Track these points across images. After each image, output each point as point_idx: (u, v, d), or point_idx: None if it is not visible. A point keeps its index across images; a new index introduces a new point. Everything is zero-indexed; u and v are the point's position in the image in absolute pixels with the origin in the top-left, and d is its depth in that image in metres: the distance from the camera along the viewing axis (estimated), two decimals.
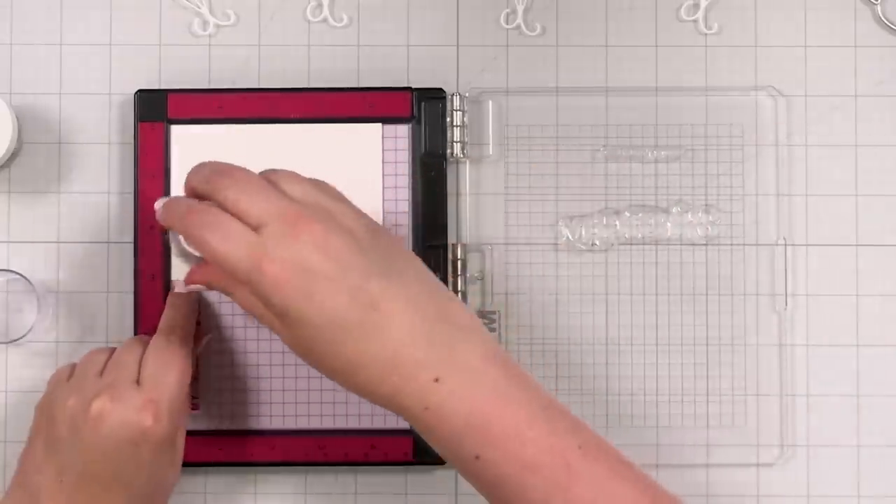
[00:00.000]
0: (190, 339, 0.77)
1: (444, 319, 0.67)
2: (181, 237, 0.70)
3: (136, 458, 0.72)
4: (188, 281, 0.72)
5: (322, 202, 0.68)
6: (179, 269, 0.81)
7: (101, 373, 0.75)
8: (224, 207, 0.67)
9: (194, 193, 0.70)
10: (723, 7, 0.84)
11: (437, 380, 0.65)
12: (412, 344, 0.65)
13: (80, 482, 0.72)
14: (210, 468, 0.82)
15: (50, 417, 0.74)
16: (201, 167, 0.70)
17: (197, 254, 0.70)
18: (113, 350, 0.76)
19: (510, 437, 0.65)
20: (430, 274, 0.69)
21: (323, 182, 0.70)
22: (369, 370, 0.65)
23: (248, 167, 0.80)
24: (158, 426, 0.72)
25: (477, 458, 0.65)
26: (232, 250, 0.66)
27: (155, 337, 0.76)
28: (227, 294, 0.69)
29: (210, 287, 0.70)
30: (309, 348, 0.66)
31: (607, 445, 0.67)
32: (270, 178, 0.69)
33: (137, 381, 0.73)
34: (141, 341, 0.76)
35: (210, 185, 0.68)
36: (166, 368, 0.74)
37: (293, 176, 0.70)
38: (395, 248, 0.69)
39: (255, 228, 0.66)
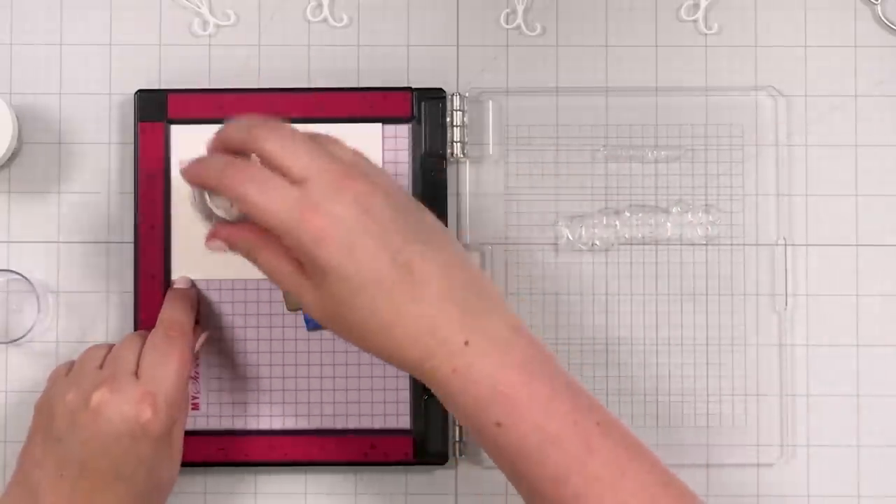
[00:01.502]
0: (189, 334, 0.77)
1: (475, 289, 0.67)
2: (207, 197, 0.69)
3: (136, 453, 0.72)
4: (211, 237, 0.70)
5: (363, 166, 0.68)
6: (182, 264, 0.81)
7: (101, 367, 0.75)
8: (264, 160, 0.66)
9: (226, 149, 0.68)
10: (723, 7, 0.84)
11: (467, 343, 0.66)
12: (446, 308, 0.66)
13: (81, 476, 0.72)
14: (210, 468, 0.82)
15: (49, 413, 0.74)
16: (237, 121, 0.68)
17: (223, 215, 0.69)
18: (112, 346, 0.77)
19: (534, 406, 0.65)
20: (461, 246, 0.70)
21: (361, 151, 0.70)
22: (402, 331, 0.66)
23: None
24: (156, 419, 0.72)
25: (498, 425, 0.66)
26: (275, 202, 0.65)
27: (153, 331, 0.76)
28: (250, 256, 0.68)
29: (233, 247, 0.69)
30: (341, 308, 0.66)
31: (622, 426, 0.67)
32: (312, 137, 0.68)
33: (136, 375, 0.73)
34: (140, 336, 0.77)
35: (250, 135, 0.67)
36: (164, 361, 0.74)
37: (335, 138, 0.69)
38: (430, 219, 0.69)
39: (298, 183, 0.65)
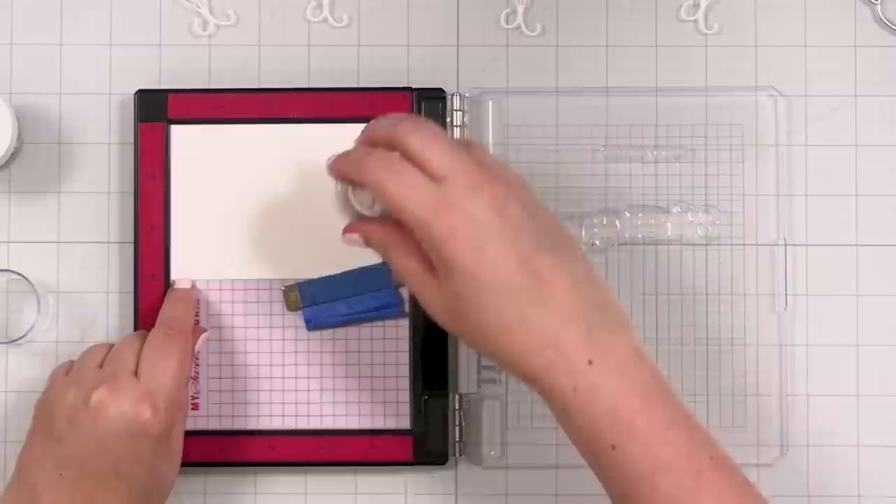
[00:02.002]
0: (188, 333, 0.77)
1: (602, 308, 0.67)
2: (350, 193, 0.70)
3: (136, 452, 0.72)
4: (348, 231, 0.71)
5: (503, 173, 0.69)
6: (182, 264, 0.81)
7: (100, 367, 0.75)
8: (406, 154, 0.67)
9: (373, 144, 0.69)
10: (723, 7, 0.84)
11: (590, 362, 0.65)
12: (572, 323, 0.66)
13: (81, 476, 0.72)
14: (210, 468, 0.82)
15: (49, 412, 0.74)
16: (385, 116, 0.69)
17: (363, 211, 0.70)
18: (111, 346, 0.77)
19: (651, 433, 0.65)
20: (590, 263, 0.69)
21: (504, 161, 0.70)
22: (526, 338, 0.65)
23: (248, 167, 0.80)
24: (156, 419, 0.72)
25: (613, 448, 0.65)
26: (412, 196, 0.65)
27: (153, 331, 0.76)
28: (383, 252, 0.69)
29: (367, 243, 0.70)
30: (464, 307, 0.66)
31: (733, 462, 0.67)
32: (457, 139, 0.69)
33: (136, 375, 0.74)
34: (140, 336, 0.77)
35: (395, 130, 0.67)
36: (164, 361, 0.74)
37: (478, 144, 0.71)
38: (562, 232, 0.69)
39: (436, 180, 0.66)
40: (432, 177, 0.66)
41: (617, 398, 0.65)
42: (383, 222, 0.69)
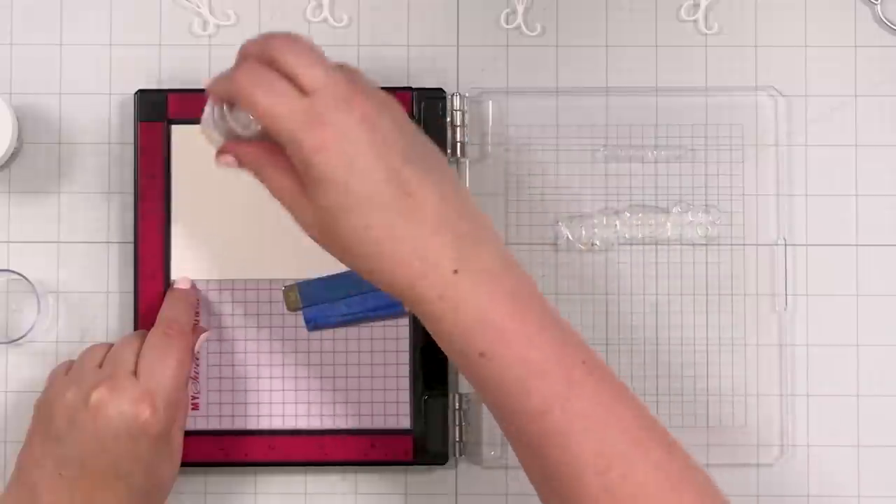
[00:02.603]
0: (188, 333, 0.77)
1: (469, 220, 0.67)
2: (228, 115, 0.70)
3: (135, 452, 0.72)
4: (221, 152, 0.71)
5: (374, 91, 0.69)
6: (182, 264, 0.81)
7: (100, 366, 0.75)
8: (278, 68, 0.66)
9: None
10: (723, 7, 0.84)
11: (456, 271, 0.66)
12: (440, 234, 0.66)
13: (80, 475, 0.72)
14: (210, 468, 0.82)
15: (48, 412, 0.74)
16: (259, 36, 0.69)
17: (241, 132, 0.70)
18: (111, 345, 0.77)
19: (519, 337, 0.65)
20: (457, 177, 0.70)
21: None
22: (394, 249, 0.66)
23: None
24: (155, 419, 0.72)
25: (482, 355, 0.66)
26: (281, 107, 0.65)
27: (152, 330, 0.76)
28: (256, 172, 0.69)
29: (241, 163, 0.70)
30: (333, 220, 0.66)
31: (608, 368, 0.67)
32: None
33: (135, 374, 0.74)
34: (139, 335, 0.77)
35: (266, 44, 0.67)
36: (163, 361, 0.74)
37: (352, 66, 0.70)
38: (432, 148, 0.70)
39: (308, 94, 0.66)
40: (303, 91, 0.66)
41: (484, 305, 0.66)
42: (257, 143, 0.69)
